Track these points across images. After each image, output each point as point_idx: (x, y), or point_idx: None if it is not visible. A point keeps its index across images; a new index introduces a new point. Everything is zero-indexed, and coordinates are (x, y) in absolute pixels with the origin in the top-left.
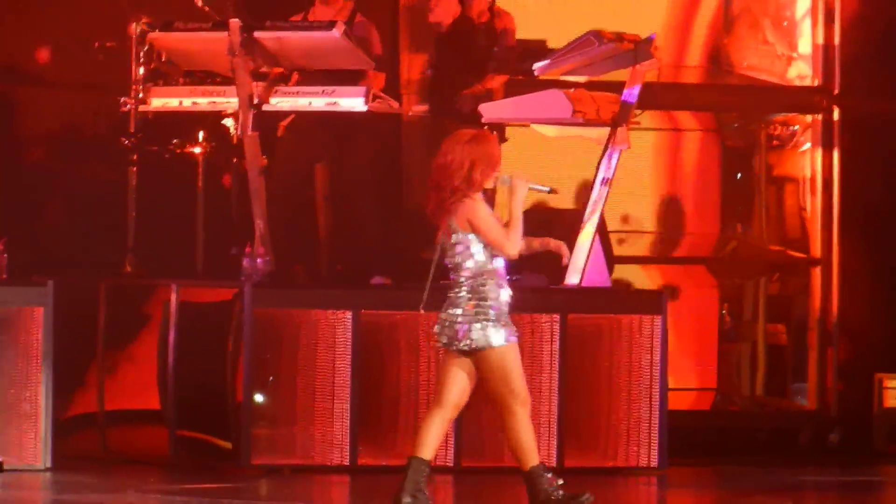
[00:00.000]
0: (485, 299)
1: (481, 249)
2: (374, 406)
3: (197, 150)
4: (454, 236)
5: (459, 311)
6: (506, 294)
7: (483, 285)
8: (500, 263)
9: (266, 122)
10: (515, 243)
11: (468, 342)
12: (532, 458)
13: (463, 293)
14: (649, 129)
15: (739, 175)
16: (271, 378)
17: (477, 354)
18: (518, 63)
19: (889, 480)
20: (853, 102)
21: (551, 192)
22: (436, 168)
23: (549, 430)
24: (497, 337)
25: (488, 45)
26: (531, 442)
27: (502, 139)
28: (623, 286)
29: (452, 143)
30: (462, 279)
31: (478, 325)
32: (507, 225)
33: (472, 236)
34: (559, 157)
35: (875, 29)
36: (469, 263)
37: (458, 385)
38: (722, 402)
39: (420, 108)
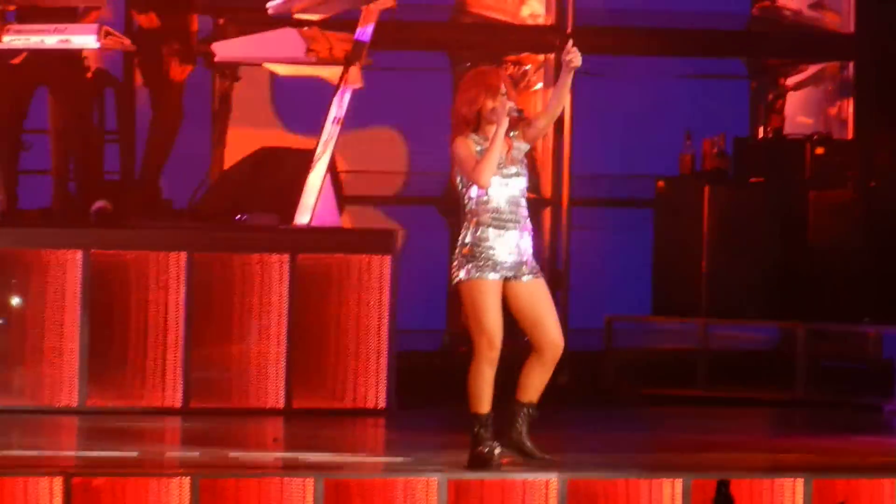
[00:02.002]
0: (463, 236)
1: (470, 185)
2: (104, 347)
3: None
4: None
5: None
6: (488, 232)
7: (467, 222)
8: (498, 202)
9: None
10: (482, 172)
11: (452, 279)
12: (474, 406)
13: (462, 230)
14: (382, 69)
15: None
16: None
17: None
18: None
19: (602, 417)
20: (586, 41)
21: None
22: None
23: (276, 371)
24: (460, 272)
25: None
26: (480, 388)
27: (234, 78)
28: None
29: None
30: (466, 215)
31: (454, 262)
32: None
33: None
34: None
35: None
36: (466, 200)
37: None
38: (451, 343)
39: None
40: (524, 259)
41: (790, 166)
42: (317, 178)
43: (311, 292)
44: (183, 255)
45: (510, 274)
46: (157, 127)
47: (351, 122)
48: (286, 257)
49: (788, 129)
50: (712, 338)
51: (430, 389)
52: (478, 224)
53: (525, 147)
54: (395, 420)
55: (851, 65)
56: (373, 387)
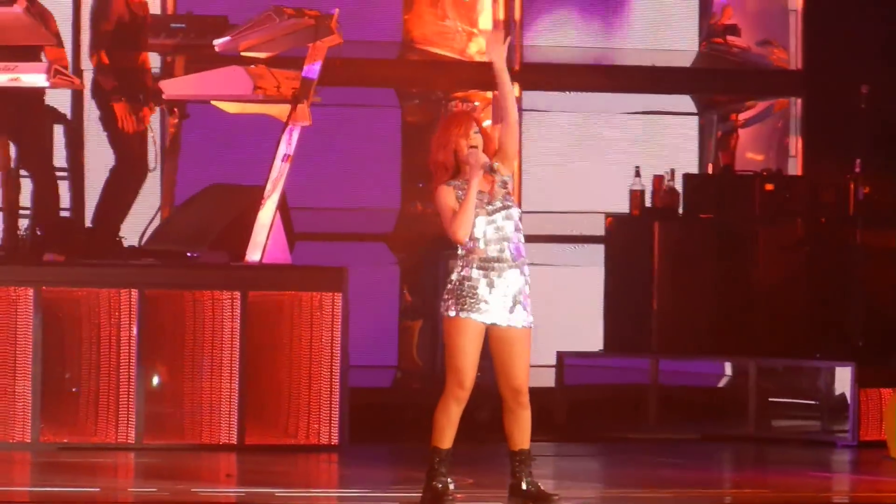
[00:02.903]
0: (453, 273)
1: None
2: (57, 383)
3: None
4: None
5: None
6: (470, 272)
7: (460, 259)
8: (485, 243)
9: None
10: (458, 228)
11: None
12: (435, 440)
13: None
14: (330, 105)
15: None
16: None
17: None
18: (197, 38)
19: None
20: (535, 78)
21: (493, 169)
22: None
23: (229, 407)
24: (445, 308)
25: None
26: (443, 424)
27: (183, 115)
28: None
29: None
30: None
31: (443, 296)
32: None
33: None
34: (244, 135)
35: (554, 5)
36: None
37: None
38: (403, 380)
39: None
40: (513, 304)
41: (740, 202)
42: (267, 215)
43: (263, 329)
44: (135, 293)
45: (495, 320)
46: (120, 177)
47: (300, 159)
48: (238, 294)
49: (738, 165)
50: (663, 374)
51: (383, 425)
52: (466, 263)
53: (507, 176)
54: (348, 456)
55: (799, 101)
56: (325, 423)
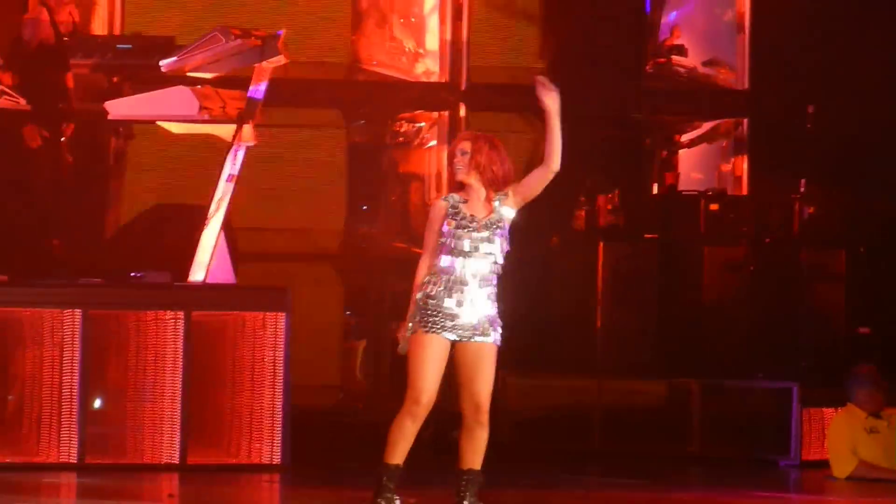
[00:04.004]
0: (424, 287)
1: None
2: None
3: None
4: None
5: None
6: (439, 289)
7: (434, 274)
8: (445, 262)
9: None
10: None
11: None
12: (386, 455)
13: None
14: (275, 125)
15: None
16: None
17: None
18: (143, 59)
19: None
20: (479, 99)
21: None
22: None
23: (171, 427)
24: (410, 321)
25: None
26: (395, 438)
27: (129, 135)
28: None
29: None
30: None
31: (410, 308)
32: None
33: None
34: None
35: (501, 27)
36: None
37: None
38: (345, 400)
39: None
40: (477, 320)
41: (684, 222)
42: (211, 235)
43: (206, 349)
44: (78, 312)
45: (462, 336)
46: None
47: (245, 179)
48: (181, 314)
49: (683, 185)
50: (607, 393)
51: (326, 445)
52: (436, 282)
53: (508, 213)
54: (290, 476)
55: (745, 121)
56: (268, 442)
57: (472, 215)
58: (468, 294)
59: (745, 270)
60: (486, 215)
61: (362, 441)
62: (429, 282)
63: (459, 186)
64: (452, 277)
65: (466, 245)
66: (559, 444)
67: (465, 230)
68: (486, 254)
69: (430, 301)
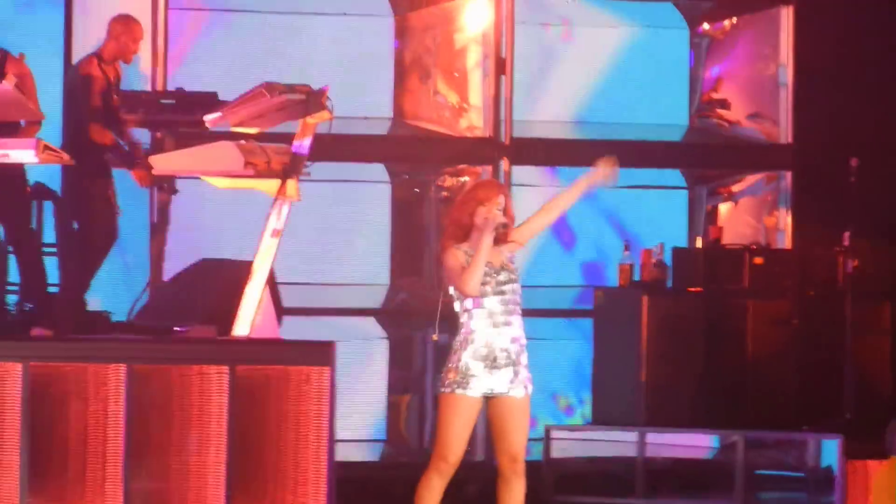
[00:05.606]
0: (455, 345)
1: (458, 297)
2: (45, 459)
3: None
4: None
5: None
6: (468, 344)
7: (460, 332)
8: (479, 314)
9: None
10: (468, 282)
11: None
12: None
13: (456, 339)
14: (320, 180)
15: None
16: None
17: None
18: (187, 114)
19: None
20: (523, 153)
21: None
22: None
23: (216, 481)
24: (440, 384)
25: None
26: (423, 496)
27: (173, 190)
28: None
29: None
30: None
31: (445, 367)
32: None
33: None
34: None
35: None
36: (460, 310)
37: None
38: (391, 454)
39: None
40: (513, 374)
41: (728, 276)
42: (255, 290)
43: (251, 403)
44: (122, 367)
45: (494, 389)
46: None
47: (289, 233)
48: (225, 369)
49: (727, 238)
50: (651, 447)
51: (371, 500)
52: (469, 335)
53: (515, 251)
54: None
55: (789, 175)
56: (312, 497)
57: (490, 262)
58: (500, 345)
59: (789, 324)
60: (502, 261)
61: (407, 496)
62: (459, 340)
63: (465, 236)
64: (477, 331)
65: (494, 292)
66: (601, 498)
67: (491, 280)
68: (514, 295)
69: (462, 360)
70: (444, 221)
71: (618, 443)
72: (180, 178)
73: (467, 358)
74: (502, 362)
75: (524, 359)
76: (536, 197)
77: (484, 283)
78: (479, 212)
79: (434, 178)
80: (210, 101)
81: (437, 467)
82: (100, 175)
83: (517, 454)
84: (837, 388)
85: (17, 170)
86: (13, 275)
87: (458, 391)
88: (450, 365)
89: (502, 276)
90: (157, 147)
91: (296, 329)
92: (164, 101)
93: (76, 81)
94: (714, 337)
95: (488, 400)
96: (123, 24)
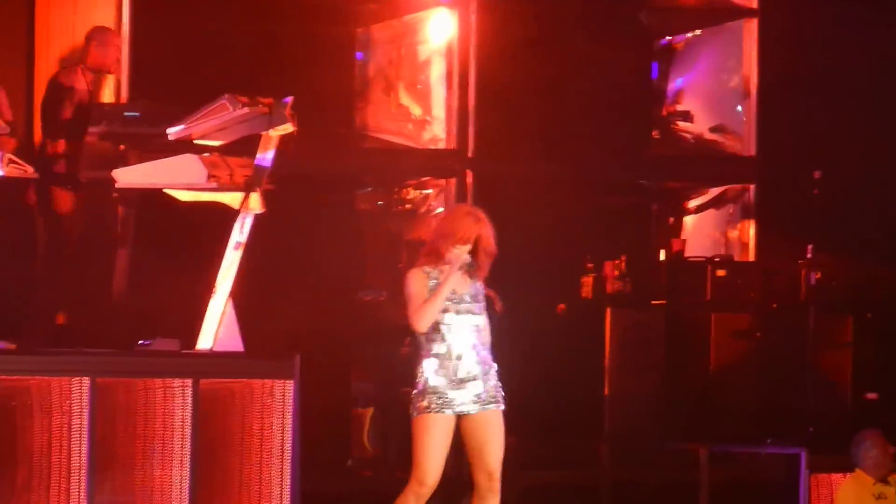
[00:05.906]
0: (421, 369)
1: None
2: (7, 472)
3: None
4: None
5: None
6: (435, 369)
7: (425, 354)
8: (444, 332)
9: None
10: (421, 318)
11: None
12: None
13: (420, 361)
14: (281, 192)
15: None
16: None
17: None
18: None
19: None
20: (486, 166)
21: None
22: None
23: (180, 494)
24: (413, 409)
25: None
26: None
27: (136, 204)
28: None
29: None
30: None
31: (414, 392)
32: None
33: None
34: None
35: (506, 95)
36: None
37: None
38: (354, 467)
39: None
40: (481, 391)
41: (691, 289)
42: (219, 303)
43: (215, 417)
44: (86, 381)
45: (466, 409)
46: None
47: (253, 246)
48: (189, 382)
49: (689, 251)
50: (614, 460)
51: None
52: (431, 365)
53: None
54: None
55: (752, 187)
56: None
57: (454, 291)
58: (465, 367)
59: (752, 336)
60: (465, 286)
61: None
62: (425, 364)
63: (437, 258)
64: (444, 354)
65: (455, 317)
66: None
67: (451, 305)
68: (477, 316)
69: (430, 384)
70: (424, 247)
71: (582, 457)
72: (144, 190)
73: (434, 379)
74: (469, 379)
75: (493, 374)
76: (498, 206)
77: (445, 311)
78: (454, 249)
79: (397, 191)
80: (173, 114)
81: (415, 490)
82: (67, 187)
83: (493, 471)
84: (800, 401)
85: None
86: None
87: (432, 414)
88: (419, 388)
89: (467, 300)
90: (120, 160)
91: (258, 343)
92: (127, 113)
93: (59, 92)
94: (677, 350)
95: (461, 418)
96: (105, 33)
